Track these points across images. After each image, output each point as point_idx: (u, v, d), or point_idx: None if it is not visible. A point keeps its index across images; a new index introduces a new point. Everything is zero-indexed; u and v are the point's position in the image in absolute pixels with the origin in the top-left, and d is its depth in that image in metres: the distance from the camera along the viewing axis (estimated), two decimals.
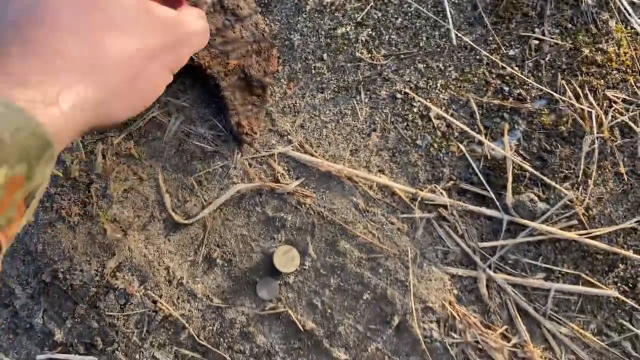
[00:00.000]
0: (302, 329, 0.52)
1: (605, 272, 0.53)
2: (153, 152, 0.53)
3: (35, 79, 0.28)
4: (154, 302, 0.52)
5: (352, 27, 0.56)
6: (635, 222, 0.53)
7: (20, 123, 0.26)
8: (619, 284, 0.52)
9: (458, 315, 0.52)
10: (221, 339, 0.52)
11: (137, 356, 0.51)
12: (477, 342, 0.52)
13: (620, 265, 0.53)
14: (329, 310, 0.52)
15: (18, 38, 0.29)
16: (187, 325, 0.52)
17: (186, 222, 0.53)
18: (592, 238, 0.53)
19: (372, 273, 0.53)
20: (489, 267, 0.53)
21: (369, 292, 0.52)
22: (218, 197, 0.53)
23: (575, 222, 0.53)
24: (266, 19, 0.55)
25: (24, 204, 0.28)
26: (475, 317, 0.52)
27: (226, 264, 0.53)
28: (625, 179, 0.53)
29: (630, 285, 0.52)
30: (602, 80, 0.55)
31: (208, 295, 0.52)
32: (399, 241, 0.53)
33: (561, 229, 0.53)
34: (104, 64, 0.31)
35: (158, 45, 0.35)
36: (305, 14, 0.55)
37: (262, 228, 0.53)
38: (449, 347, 0.51)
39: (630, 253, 0.52)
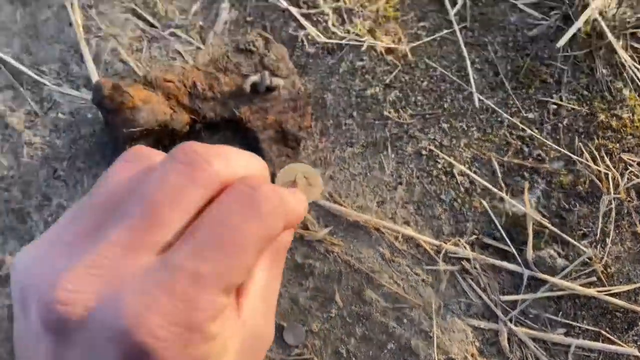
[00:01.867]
0: None
1: (625, 329, 0.54)
2: None
3: None
4: None
5: (381, 89, 0.60)
6: None
7: None
8: (639, 342, 0.53)
9: None
10: None
11: None
12: None
13: None
14: (354, 359, 0.54)
15: None
16: None
17: None
18: (612, 295, 0.54)
19: (396, 323, 0.54)
20: (510, 320, 0.54)
21: (393, 342, 0.54)
22: None
23: (594, 279, 0.55)
24: (302, 79, 0.59)
25: None
26: None
27: None
28: None
29: None
30: (617, 144, 0.58)
31: None
32: (423, 292, 0.55)
33: (581, 285, 0.55)
34: None
35: None
36: (338, 76, 0.60)
37: (291, 274, 0.56)
38: None
39: None
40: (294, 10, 0.59)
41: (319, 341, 0.53)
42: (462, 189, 0.56)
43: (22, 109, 0.58)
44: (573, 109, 0.58)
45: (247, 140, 0.56)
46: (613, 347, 0.53)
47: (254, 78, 0.53)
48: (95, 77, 0.57)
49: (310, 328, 0.53)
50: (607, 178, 0.55)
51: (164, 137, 0.53)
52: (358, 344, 0.53)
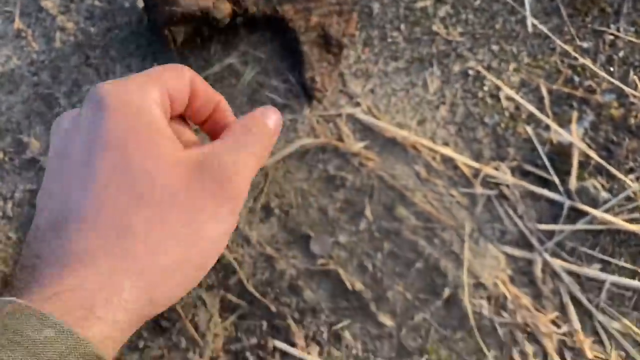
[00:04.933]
0: (350, 290, 0.51)
1: None
2: (226, 98, 0.53)
3: (71, 284, 0.25)
4: None
5: (432, 3, 0.56)
6: None
7: (69, 345, 0.23)
8: None
9: (510, 295, 0.51)
10: (269, 289, 0.52)
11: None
12: (526, 324, 0.51)
13: None
14: (379, 274, 0.52)
15: (49, 240, 0.26)
16: (238, 269, 0.51)
17: None
18: None
19: (426, 242, 0.53)
20: (546, 250, 0.52)
21: (421, 260, 0.52)
22: (283, 149, 0.54)
23: (637, 215, 0.52)
24: None
25: None
26: (526, 300, 0.51)
27: (283, 215, 0.53)
28: None
29: None
30: None
31: (262, 243, 0.52)
32: (457, 214, 0.53)
33: (623, 220, 0.52)
34: (133, 251, 0.27)
35: (203, 199, 0.29)
36: None
37: (322, 185, 0.54)
38: (497, 326, 0.51)
39: None
40: None
41: (346, 253, 0.51)
42: (507, 114, 0.54)
43: None
44: (630, 41, 0.55)
45: (286, 41, 0.53)
46: None
47: None
48: None
49: (337, 240, 0.52)
50: None
51: (203, 27, 0.51)
52: (385, 259, 0.51)
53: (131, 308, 0.26)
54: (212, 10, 0.48)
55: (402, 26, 0.55)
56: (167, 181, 0.28)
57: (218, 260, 0.50)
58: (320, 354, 0.49)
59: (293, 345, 0.49)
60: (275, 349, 0.49)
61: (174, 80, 0.30)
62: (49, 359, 0.23)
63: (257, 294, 0.50)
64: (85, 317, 0.25)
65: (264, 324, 0.50)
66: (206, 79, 0.53)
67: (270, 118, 0.32)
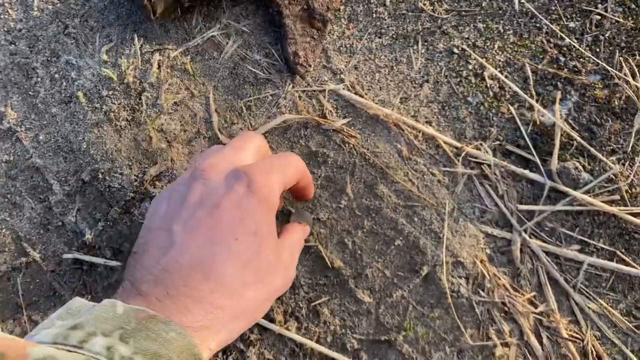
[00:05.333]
0: (330, 266, 0.51)
1: None
2: (207, 71, 0.53)
3: (199, 324, 0.36)
4: None
5: None
6: None
7: (184, 345, 0.34)
8: None
9: (488, 274, 0.52)
10: None
11: None
12: (503, 303, 0.51)
13: None
14: (359, 252, 0.52)
15: (190, 284, 0.36)
16: None
17: None
18: (633, 215, 0.52)
19: (406, 220, 0.52)
20: (525, 231, 0.53)
21: (401, 238, 0.52)
22: (264, 124, 0.53)
23: (617, 197, 0.53)
24: None
25: None
26: (504, 279, 0.52)
27: None
28: None
29: None
30: None
31: None
32: (437, 193, 0.53)
33: (602, 202, 0.53)
34: (243, 313, 0.38)
35: (279, 287, 0.41)
36: None
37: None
38: (474, 305, 0.51)
39: None
40: None
41: (326, 230, 0.51)
42: (490, 93, 0.54)
43: None
44: (617, 21, 0.54)
45: (270, 15, 0.53)
46: (626, 269, 0.51)
47: None
48: None
49: (317, 216, 0.51)
50: None
51: None
52: (365, 237, 0.51)
53: (221, 343, 0.38)
54: None
55: (388, 2, 0.54)
56: (266, 266, 0.39)
57: None
58: (298, 329, 0.49)
59: (272, 320, 0.49)
60: (254, 324, 0.49)
61: (292, 176, 0.42)
62: (173, 351, 0.33)
63: None
64: (199, 327, 0.36)
65: None
66: (187, 51, 0.52)
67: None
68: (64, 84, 0.52)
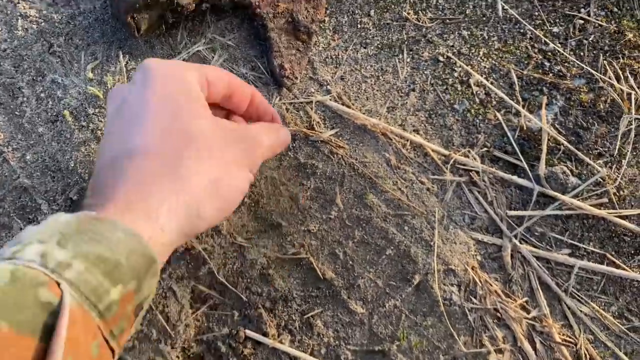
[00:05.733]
0: (321, 278, 0.51)
1: (632, 254, 0.52)
2: None
3: (138, 204, 0.34)
4: None
5: None
6: None
7: (134, 246, 0.31)
8: None
9: (480, 281, 0.52)
10: (240, 279, 0.51)
11: None
12: (496, 310, 0.51)
13: None
14: (350, 262, 0.52)
15: (117, 170, 0.35)
16: (208, 260, 0.51)
17: None
18: (622, 218, 0.52)
19: (397, 229, 0.53)
20: (515, 236, 0.53)
21: (392, 248, 0.52)
22: None
23: (605, 200, 0.53)
24: None
25: (133, 315, 0.32)
26: (496, 285, 0.52)
27: (253, 205, 0.53)
28: None
29: None
30: None
31: (232, 233, 0.52)
32: (427, 201, 0.53)
33: (591, 205, 0.53)
34: (187, 174, 0.36)
35: (232, 152, 0.39)
36: None
37: (293, 173, 0.53)
38: (467, 312, 0.51)
39: None
40: None
41: (316, 241, 0.51)
42: (477, 100, 0.54)
43: None
44: (600, 25, 0.55)
45: (255, 29, 0.53)
46: (617, 271, 0.51)
47: None
48: None
49: (308, 228, 0.52)
50: (629, 98, 0.53)
51: (167, 13, 0.50)
52: (356, 247, 0.51)
53: (184, 220, 0.35)
54: None
55: (372, 12, 0.54)
56: (210, 136, 0.38)
57: (188, 251, 0.50)
58: (292, 342, 0.49)
59: (265, 334, 0.49)
60: (247, 338, 0.49)
61: (212, 72, 0.40)
62: (120, 253, 0.30)
63: (228, 284, 0.50)
64: (149, 225, 0.33)
65: (236, 313, 0.50)
66: None
67: (286, 130, 0.47)
68: (50, 103, 0.52)
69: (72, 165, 0.50)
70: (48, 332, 0.26)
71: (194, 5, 0.49)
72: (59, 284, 0.27)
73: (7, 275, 0.26)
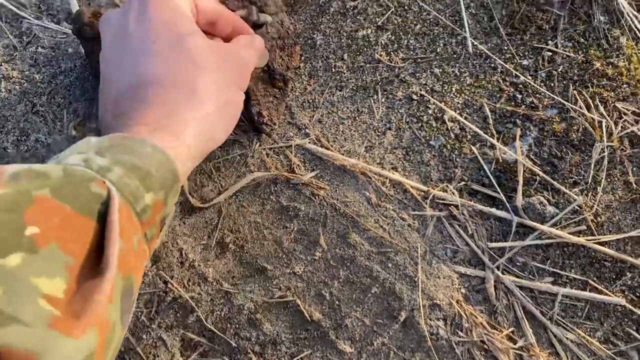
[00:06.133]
0: (309, 319, 0.52)
1: (613, 279, 0.53)
2: None
3: (164, 123, 0.37)
4: (165, 282, 0.52)
5: (373, 31, 0.58)
6: None
7: (162, 160, 0.35)
8: (626, 293, 0.52)
9: (465, 314, 0.52)
10: (228, 325, 0.52)
11: (144, 336, 0.52)
12: (482, 342, 0.52)
13: (628, 273, 0.53)
14: (337, 302, 0.53)
15: (138, 97, 0.38)
16: (196, 308, 0.52)
17: (202, 205, 0.53)
18: (601, 244, 0.53)
19: (381, 267, 0.53)
20: (497, 268, 0.54)
21: (377, 286, 0.53)
22: (234, 184, 0.54)
23: (583, 227, 0.54)
24: (291, 18, 0.57)
25: (160, 225, 0.36)
26: (482, 317, 0.52)
27: (238, 250, 0.54)
28: (634, 187, 0.54)
29: (638, 295, 0.52)
30: (612, 93, 0.56)
31: (218, 280, 0.53)
32: (409, 237, 0.54)
33: (570, 233, 0.54)
34: (202, 100, 0.40)
35: (230, 74, 0.43)
36: (329, 16, 0.57)
37: (276, 216, 0.54)
38: (454, 346, 0.52)
39: (638, 262, 0.53)
40: None
41: (302, 283, 0.52)
42: (452, 135, 0.55)
43: (0, 42, 0.56)
44: (568, 56, 0.56)
45: None
46: (600, 297, 0.52)
47: (241, 13, 0.51)
48: (76, 8, 0.55)
49: (293, 270, 0.52)
50: (600, 126, 0.54)
51: None
52: (341, 287, 0.52)
53: (202, 143, 0.40)
54: None
55: (345, 56, 0.56)
56: (208, 58, 0.41)
57: (175, 300, 0.51)
58: None
59: None
60: None
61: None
62: (150, 164, 0.34)
63: (216, 331, 0.50)
64: (174, 144, 0.37)
65: (226, 359, 0.50)
66: None
67: (261, 39, 0.50)
68: (35, 162, 0.53)
69: None
70: (102, 217, 0.30)
71: None
72: (104, 182, 0.31)
73: (60, 171, 0.30)
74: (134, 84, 0.39)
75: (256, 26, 0.52)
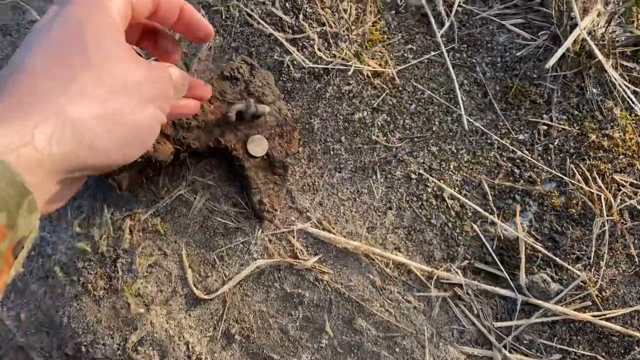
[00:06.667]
0: None
1: (622, 354, 0.53)
2: (178, 228, 0.55)
3: (12, 122, 0.29)
4: None
5: (369, 113, 0.59)
6: None
7: (2, 174, 0.27)
8: None
9: None
10: None
11: None
12: None
13: (637, 347, 0.53)
14: None
15: (6, 89, 0.31)
16: None
17: (207, 297, 0.54)
18: (607, 319, 0.53)
19: (388, 352, 0.53)
20: (505, 347, 0.53)
21: None
22: (238, 273, 0.55)
23: (589, 303, 0.54)
24: (289, 104, 0.59)
25: (11, 254, 0.28)
26: None
27: (244, 340, 0.54)
28: (637, 261, 0.54)
29: None
30: (609, 164, 0.57)
31: None
32: (415, 320, 0.54)
33: (575, 309, 0.54)
34: (76, 100, 0.32)
35: (140, 86, 0.36)
36: (325, 100, 0.59)
37: (280, 304, 0.55)
38: None
39: None
40: (279, 35, 0.59)
41: None
42: (452, 213, 0.56)
43: None
44: (564, 129, 0.57)
45: (233, 167, 0.55)
46: None
47: (239, 106, 0.52)
48: None
49: (300, 359, 0.52)
50: (599, 200, 0.54)
51: (147, 168, 0.52)
52: None
53: (72, 146, 0.31)
54: (154, 154, 0.50)
55: (343, 138, 0.57)
56: (115, 64, 0.35)
57: None
58: None
59: None
60: None
61: None
62: None
63: None
64: (22, 147, 0.29)
65: None
66: (157, 212, 0.54)
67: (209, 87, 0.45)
68: (41, 260, 0.54)
69: (66, 320, 0.52)
70: None
71: (172, 157, 0.51)
72: None
73: None
74: (2, 73, 0.33)
75: (255, 117, 0.53)
